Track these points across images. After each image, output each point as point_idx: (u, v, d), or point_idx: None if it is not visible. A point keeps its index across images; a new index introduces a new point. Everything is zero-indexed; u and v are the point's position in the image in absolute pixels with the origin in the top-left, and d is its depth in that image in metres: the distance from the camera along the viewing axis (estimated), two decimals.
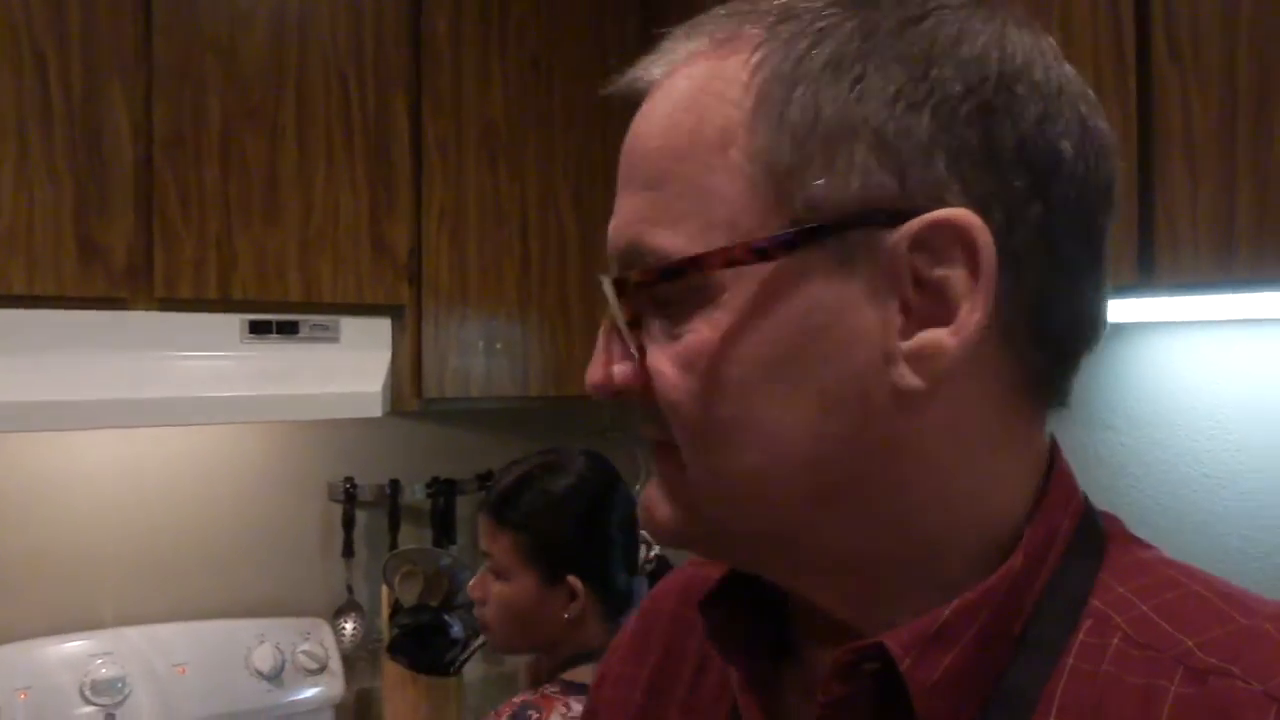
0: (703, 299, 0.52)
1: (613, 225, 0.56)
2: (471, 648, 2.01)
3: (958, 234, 0.49)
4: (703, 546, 0.59)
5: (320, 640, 2.03)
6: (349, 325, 1.85)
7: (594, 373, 0.57)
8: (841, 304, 0.51)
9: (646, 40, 0.59)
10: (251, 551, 2.08)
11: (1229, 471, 1.49)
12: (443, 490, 2.22)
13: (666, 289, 0.52)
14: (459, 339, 1.94)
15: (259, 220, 1.75)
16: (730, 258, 0.51)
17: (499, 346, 1.99)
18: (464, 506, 2.25)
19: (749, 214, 0.51)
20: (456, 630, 2.02)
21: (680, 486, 0.56)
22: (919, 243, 0.50)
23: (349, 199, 1.82)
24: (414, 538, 2.21)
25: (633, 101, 0.58)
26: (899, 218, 0.49)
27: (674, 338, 0.53)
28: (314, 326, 1.82)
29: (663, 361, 0.53)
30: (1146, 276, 1.18)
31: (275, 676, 1.95)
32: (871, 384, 0.51)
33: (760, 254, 0.51)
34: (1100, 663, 0.51)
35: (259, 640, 1.96)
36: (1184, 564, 0.55)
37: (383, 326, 1.89)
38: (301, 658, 1.98)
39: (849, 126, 0.50)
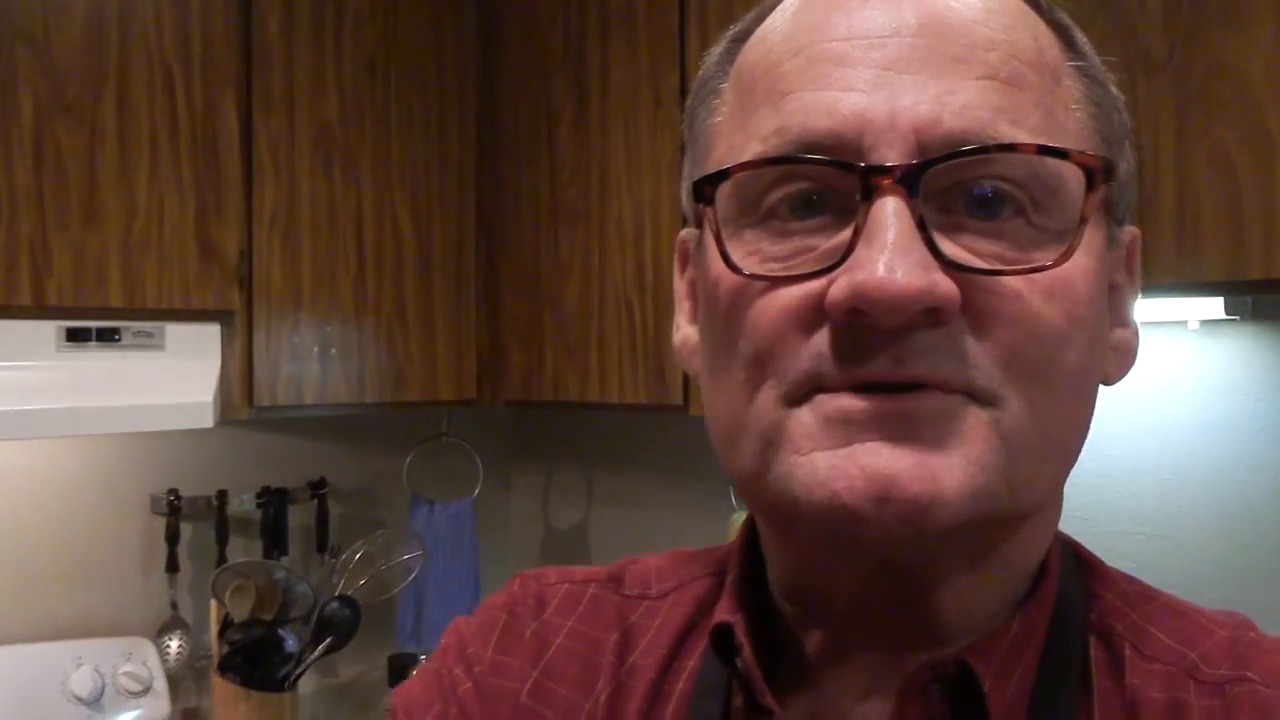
0: (1052, 223, 0.46)
1: (929, 103, 0.45)
2: (306, 661, 1.95)
3: (1134, 251, 0.53)
4: (977, 522, 0.45)
5: (144, 660, 1.94)
6: (175, 332, 1.77)
7: (906, 274, 0.42)
8: (1110, 277, 0.51)
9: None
10: (68, 570, 1.97)
11: None
12: (273, 500, 2.15)
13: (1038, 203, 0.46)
14: (292, 345, 1.89)
15: (77, 222, 1.65)
16: (1113, 189, 0.49)
17: (334, 352, 1.95)
18: (296, 516, 2.19)
19: None
20: (291, 644, 1.96)
21: (983, 440, 0.45)
22: (1126, 249, 0.52)
23: (175, 201, 1.75)
24: (244, 550, 2.13)
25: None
26: (1124, 223, 0.52)
27: (1011, 262, 0.45)
28: (137, 334, 1.74)
29: (1023, 282, 0.45)
30: None
31: (95, 701, 1.85)
32: (1098, 369, 0.50)
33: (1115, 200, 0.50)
34: (1122, 675, 0.49)
35: (76, 664, 1.86)
36: (1131, 575, 0.55)
37: (211, 333, 1.82)
38: (123, 679, 1.89)
39: (1127, 127, 0.51)
